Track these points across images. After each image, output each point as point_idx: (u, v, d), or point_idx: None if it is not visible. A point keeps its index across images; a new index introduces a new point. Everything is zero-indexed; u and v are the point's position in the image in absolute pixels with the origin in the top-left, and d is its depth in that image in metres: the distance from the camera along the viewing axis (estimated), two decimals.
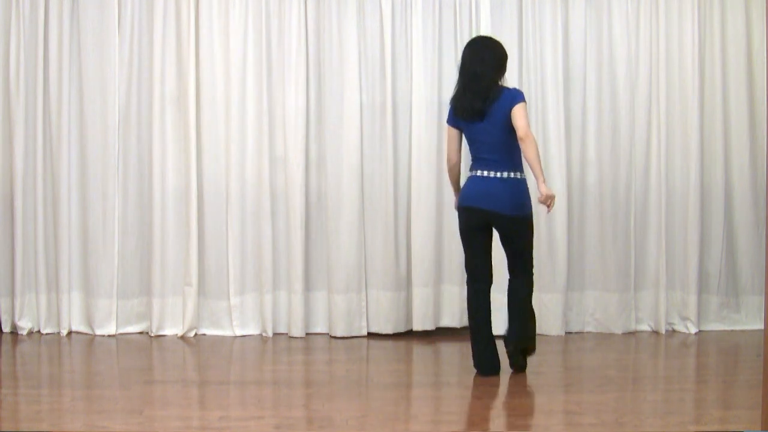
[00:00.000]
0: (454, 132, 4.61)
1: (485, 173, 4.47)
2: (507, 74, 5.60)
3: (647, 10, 5.71)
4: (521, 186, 4.50)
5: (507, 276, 4.76)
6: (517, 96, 4.41)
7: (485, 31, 5.59)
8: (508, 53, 4.64)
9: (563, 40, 5.68)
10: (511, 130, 4.40)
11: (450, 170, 4.71)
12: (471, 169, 4.58)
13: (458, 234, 5.69)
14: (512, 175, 4.47)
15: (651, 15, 5.71)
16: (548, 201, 4.34)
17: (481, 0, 5.61)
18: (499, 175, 4.45)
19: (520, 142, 4.35)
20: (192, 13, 5.53)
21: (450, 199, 5.70)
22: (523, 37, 5.68)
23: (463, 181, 4.72)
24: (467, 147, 4.66)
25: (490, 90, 4.43)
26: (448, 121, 4.64)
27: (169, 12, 5.56)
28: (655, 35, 5.71)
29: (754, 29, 5.74)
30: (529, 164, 4.38)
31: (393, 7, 5.62)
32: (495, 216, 4.49)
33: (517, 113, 4.35)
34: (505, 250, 4.67)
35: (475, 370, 4.66)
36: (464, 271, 5.71)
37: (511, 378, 4.73)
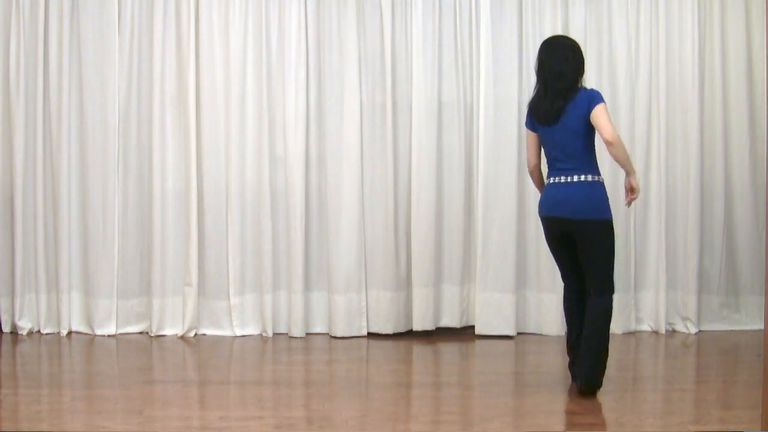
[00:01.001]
0: (533, 136, 4.38)
1: (560, 179, 4.23)
2: (506, 74, 5.66)
3: (647, 10, 5.71)
4: (596, 188, 4.23)
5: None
6: (595, 97, 4.15)
7: (485, 32, 5.59)
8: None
9: None
10: (587, 134, 4.21)
11: (531, 174, 4.50)
12: (547, 177, 4.35)
13: (458, 234, 5.73)
14: (588, 178, 4.21)
15: (651, 15, 5.71)
16: (634, 194, 4.27)
17: (481, 0, 5.61)
18: (575, 179, 4.20)
19: (608, 146, 4.12)
20: (192, 13, 5.54)
21: (450, 198, 5.72)
22: (523, 37, 5.68)
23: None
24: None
25: (570, 90, 4.21)
26: (526, 125, 4.42)
27: (169, 12, 5.56)
28: (655, 35, 5.71)
29: (754, 29, 5.75)
30: (620, 165, 4.24)
31: (393, 7, 5.63)
32: (568, 222, 4.22)
33: (599, 115, 4.10)
34: (582, 264, 4.31)
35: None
36: (463, 270, 5.76)
37: (511, 378, 4.74)
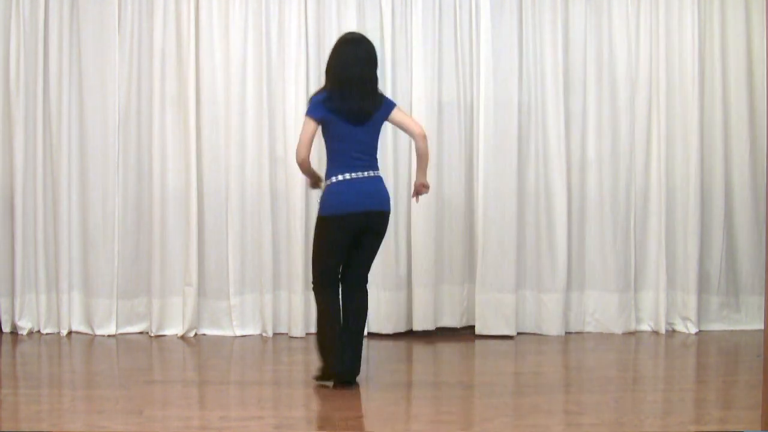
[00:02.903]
0: (315, 127, 4.30)
1: (364, 174, 4.34)
2: (508, 74, 5.66)
3: (647, 10, 5.71)
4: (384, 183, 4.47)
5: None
6: (390, 100, 4.46)
7: (485, 31, 5.59)
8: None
9: (563, 40, 5.68)
10: (379, 134, 4.44)
11: (302, 164, 4.39)
12: (340, 173, 4.31)
13: (458, 233, 5.73)
14: (379, 173, 4.43)
15: (651, 15, 5.71)
16: (427, 190, 4.56)
17: (481, 0, 5.61)
18: (372, 173, 4.37)
19: (420, 140, 4.34)
20: (192, 13, 5.53)
21: (450, 198, 5.71)
22: (523, 37, 5.68)
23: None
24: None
25: (376, 92, 4.39)
26: (313, 115, 4.28)
27: (169, 12, 5.56)
28: (655, 35, 5.71)
29: (754, 29, 5.75)
30: (423, 160, 4.41)
31: (393, 7, 5.63)
32: (372, 215, 4.36)
33: (404, 114, 4.46)
34: (360, 257, 4.47)
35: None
36: (463, 270, 5.76)
37: (510, 378, 4.74)
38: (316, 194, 5.67)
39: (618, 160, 5.73)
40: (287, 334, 5.66)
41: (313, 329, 5.69)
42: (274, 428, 3.76)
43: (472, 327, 5.70)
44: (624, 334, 5.71)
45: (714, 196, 5.78)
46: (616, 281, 5.73)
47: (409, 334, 5.68)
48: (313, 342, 5.51)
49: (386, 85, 5.62)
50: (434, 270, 5.67)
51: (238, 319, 5.65)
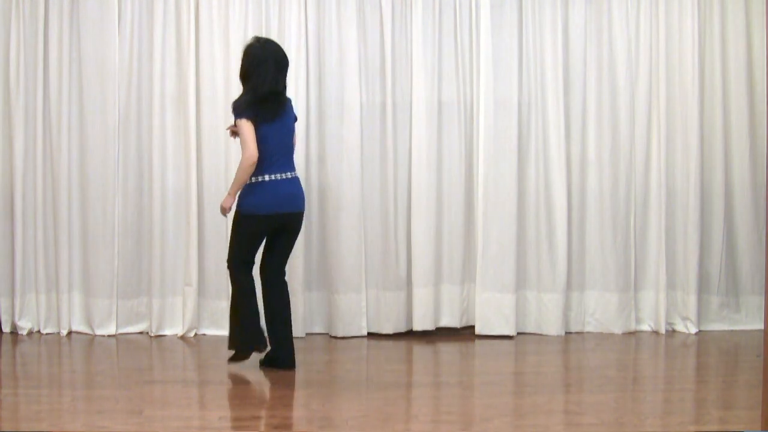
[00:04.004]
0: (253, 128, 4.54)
1: (286, 175, 4.62)
2: (508, 74, 5.66)
3: (647, 10, 5.71)
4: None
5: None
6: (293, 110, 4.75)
7: (485, 31, 5.59)
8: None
9: (563, 40, 5.68)
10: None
11: (252, 166, 4.53)
12: (263, 174, 4.55)
13: (458, 233, 5.72)
14: (297, 174, 4.72)
15: (651, 15, 5.71)
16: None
17: (481, 0, 5.61)
18: (291, 175, 4.67)
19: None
20: (192, 13, 5.53)
21: (450, 198, 5.71)
22: (523, 37, 5.68)
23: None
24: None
25: (285, 94, 4.68)
26: (248, 116, 4.51)
27: (169, 12, 5.56)
28: (655, 35, 5.71)
29: (754, 29, 5.74)
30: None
31: (393, 7, 5.62)
32: (290, 216, 4.67)
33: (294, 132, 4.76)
34: (278, 253, 4.79)
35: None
36: (463, 270, 5.76)
37: (510, 378, 4.74)
38: (317, 194, 5.70)
39: (618, 160, 5.73)
40: None
41: (312, 329, 5.71)
42: (274, 428, 3.76)
43: (472, 327, 5.70)
44: (624, 334, 5.71)
45: (714, 196, 5.78)
46: (616, 281, 5.73)
47: (409, 334, 5.68)
48: (311, 342, 5.52)
49: (386, 85, 5.63)
50: (434, 270, 5.67)
51: None
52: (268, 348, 4.72)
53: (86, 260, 5.62)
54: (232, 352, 4.76)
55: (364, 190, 5.63)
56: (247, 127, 4.49)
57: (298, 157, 5.56)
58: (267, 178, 4.54)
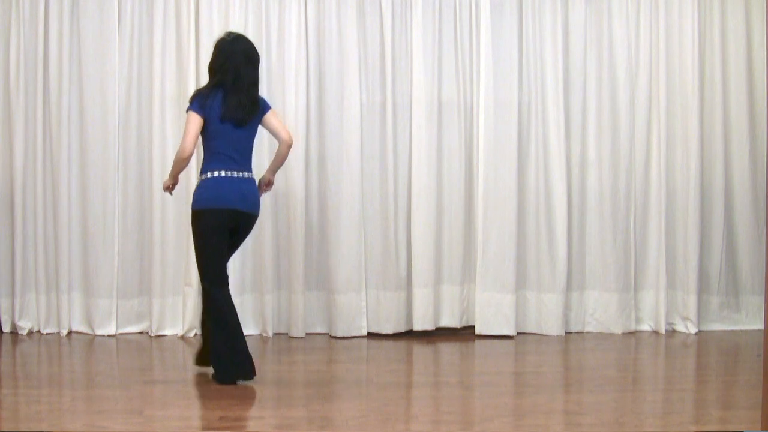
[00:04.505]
0: (200, 122, 4.33)
1: (236, 174, 4.40)
2: (508, 74, 5.66)
3: (647, 10, 5.71)
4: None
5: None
6: (266, 102, 4.54)
7: (485, 31, 5.59)
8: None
9: (563, 40, 5.68)
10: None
11: (183, 161, 4.41)
12: (212, 170, 4.36)
13: (458, 233, 5.72)
14: (252, 175, 4.51)
15: (651, 15, 5.71)
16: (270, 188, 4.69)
17: (481, 0, 5.61)
18: (246, 175, 4.46)
19: (284, 147, 4.50)
20: (192, 13, 5.54)
21: (450, 198, 5.71)
22: (523, 37, 5.68)
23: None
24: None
25: (258, 96, 4.49)
26: (195, 110, 4.32)
27: (169, 12, 5.56)
28: (655, 35, 5.72)
29: (754, 29, 5.75)
30: (279, 161, 4.57)
31: (393, 7, 5.63)
32: (240, 215, 4.43)
33: (276, 118, 4.54)
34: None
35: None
36: (463, 270, 5.76)
37: (510, 378, 4.74)
38: (317, 194, 5.70)
39: (618, 160, 5.73)
40: (287, 334, 5.66)
41: (312, 329, 5.71)
42: (274, 428, 3.76)
43: (472, 327, 5.70)
44: (624, 334, 5.71)
45: (714, 196, 5.78)
46: (616, 281, 5.73)
47: (409, 334, 5.68)
48: (311, 342, 5.52)
49: (386, 85, 5.63)
50: (434, 270, 5.67)
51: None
52: (254, 376, 4.43)
53: (86, 260, 5.62)
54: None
55: (364, 190, 5.64)
56: (191, 119, 4.31)
57: (299, 157, 5.57)
58: (223, 173, 4.35)
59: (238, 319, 4.47)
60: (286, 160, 5.53)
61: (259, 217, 5.53)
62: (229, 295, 4.49)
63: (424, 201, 5.63)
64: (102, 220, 5.60)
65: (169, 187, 4.60)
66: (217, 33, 5.54)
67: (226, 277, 4.49)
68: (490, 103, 5.62)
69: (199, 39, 5.57)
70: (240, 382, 4.40)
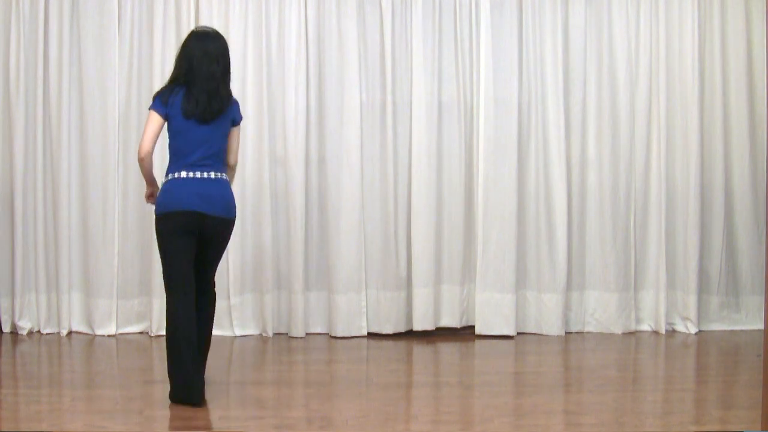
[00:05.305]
0: (161, 121, 4.13)
1: (203, 174, 4.14)
2: (508, 74, 5.66)
3: (647, 10, 5.71)
4: (230, 187, 4.29)
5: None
6: (238, 112, 4.27)
7: (485, 31, 5.59)
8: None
9: (563, 40, 5.68)
10: (228, 137, 4.24)
11: (143, 161, 4.17)
12: (177, 171, 4.15)
13: (458, 233, 5.72)
14: (224, 176, 4.24)
15: (651, 15, 5.71)
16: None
17: (481, 0, 5.61)
18: (215, 175, 4.17)
19: (230, 170, 4.29)
20: (192, 13, 5.53)
21: (450, 198, 5.70)
22: (523, 37, 5.68)
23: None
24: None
25: (224, 92, 4.18)
26: (156, 109, 4.12)
27: (169, 12, 5.55)
28: (655, 35, 5.71)
29: (754, 29, 5.75)
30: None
31: (393, 7, 5.62)
32: (207, 218, 4.14)
33: (237, 138, 4.28)
34: (202, 263, 4.25)
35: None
36: (463, 270, 5.76)
37: (510, 378, 4.74)
38: (317, 194, 5.70)
39: (618, 160, 5.73)
40: (287, 334, 5.66)
41: (312, 329, 5.71)
42: (274, 428, 3.77)
43: (472, 327, 5.70)
44: (624, 334, 5.71)
45: (714, 196, 5.78)
46: (616, 281, 5.73)
47: (409, 334, 5.68)
48: (311, 342, 5.53)
49: (386, 85, 5.63)
50: (434, 270, 5.67)
51: (238, 319, 5.65)
52: (203, 403, 4.11)
53: (86, 260, 5.62)
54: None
55: (364, 190, 5.63)
56: (150, 117, 4.12)
57: (299, 157, 5.57)
58: (183, 174, 4.12)
59: (191, 336, 4.11)
60: (285, 160, 5.57)
61: (260, 217, 5.59)
62: (190, 307, 4.14)
63: (424, 201, 5.63)
64: (102, 220, 5.60)
65: (149, 197, 4.35)
66: None
67: (189, 286, 4.15)
68: (490, 103, 5.62)
69: None
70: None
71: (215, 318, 5.60)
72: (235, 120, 4.26)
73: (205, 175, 4.14)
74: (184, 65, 4.15)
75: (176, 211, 4.09)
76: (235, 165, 4.35)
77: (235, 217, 4.28)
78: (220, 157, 4.21)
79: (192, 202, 4.09)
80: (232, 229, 4.31)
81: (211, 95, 4.12)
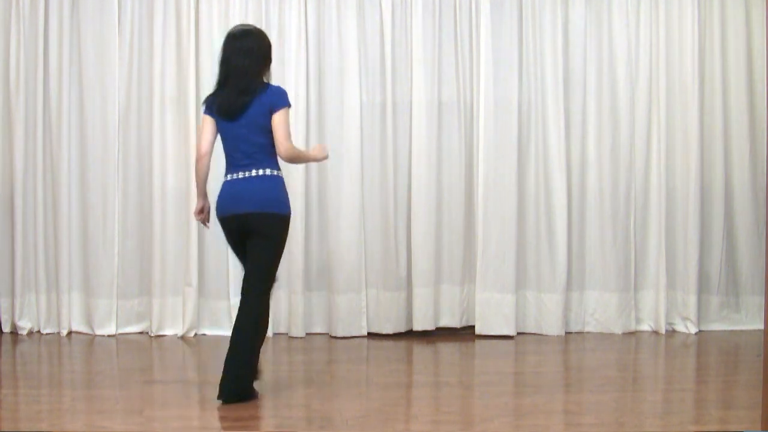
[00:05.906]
0: (212, 121, 4.14)
1: (239, 175, 4.09)
2: (508, 74, 5.66)
3: (647, 10, 5.71)
4: (276, 182, 4.11)
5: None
6: (281, 97, 4.08)
7: (485, 31, 5.59)
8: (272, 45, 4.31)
9: (563, 40, 5.68)
10: (270, 130, 4.06)
11: (199, 162, 4.19)
12: (225, 174, 4.15)
13: (458, 233, 5.72)
14: (267, 172, 4.09)
15: (651, 15, 5.71)
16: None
17: (481, 0, 5.62)
18: (253, 173, 4.07)
19: (279, 153, 4.07)
20: (192, 13, 5.54)
21: (450, 198, 5.70)
22: (523, 37, 5.68)
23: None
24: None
25: (253, 85, 4.08)
26: (205, 111, 4.17)
27: (169, 12, 5.56)
28: (655, 35, 5.72)
29: (754, 29, 5.75)
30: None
31: (393, 7, 5.63)
32: (247, 217, 4.06)
33: (279, 123, 4.04)
34: (249, 261, 4.17)
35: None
36: (463, 270, 5.76)
37: (510, 378, 4.74)
38: (317, 194, 5.70)
39: (618, 160, 5.73)
40: (287, 334, 5.66)
41: (312, 329, 5.72)
42: (274, 428, 3.76)
43: (472, 327, 5.70)
44: (624, 334, 5.71)
45: (714, 196, 5.78)
46: (616, 281, 5.73)
47: (409, 334, 5.68)
48: (311, 342, 5.53)
49: (386, 85, 5.63)
50: (434, 270, 5.67)
51: None
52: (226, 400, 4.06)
53: (86, 260, 5.62)
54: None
55: (364, 190, 5.64)
56: (203, 121, 4.17)
57: None
58: (228, 178, 4.13)
59: (238, 335, 4.10)
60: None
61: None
62: (244, 306, 4.15)
63: (424, 201, 5.63)
64: (102, 220, 5.61)
65: (197, 212, 4.34)
66: (217, 33, 5.58)
67: (245, 286, 4.17)
68: (490, 103, 5.62)
69: (199, 39, 5.57)
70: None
71: (215, 318, 5.66)
72: (274, 107, 4.05)
73: (241, 175, 4.09)
74: (222, 67, 4.16)
75: (220, 217, 4.19)
76: (290, 155, 4.08)
77: (276, 210, 4.07)
78: (264, 152, 4.09)
79: (225, 207, 4.14)
80: (273, 223, 4.08)
81: (242, 91, 4.07)
